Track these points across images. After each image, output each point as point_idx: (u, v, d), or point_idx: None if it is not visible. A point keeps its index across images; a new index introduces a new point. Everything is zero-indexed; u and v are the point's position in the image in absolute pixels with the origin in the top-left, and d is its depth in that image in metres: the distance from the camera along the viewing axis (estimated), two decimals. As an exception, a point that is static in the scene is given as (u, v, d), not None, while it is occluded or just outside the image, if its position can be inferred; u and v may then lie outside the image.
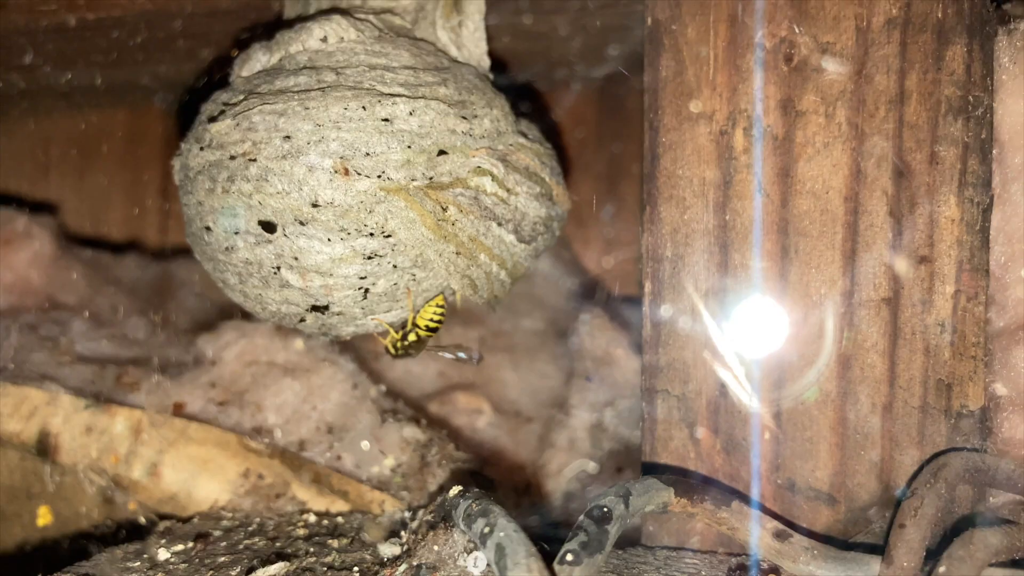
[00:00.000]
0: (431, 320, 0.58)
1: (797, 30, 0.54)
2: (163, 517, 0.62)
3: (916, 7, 0.52)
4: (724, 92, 0.55)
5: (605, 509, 0.45)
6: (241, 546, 0.56)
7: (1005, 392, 0.54)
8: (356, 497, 0.62)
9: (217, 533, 0.58)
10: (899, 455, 0.53)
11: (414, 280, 0.54)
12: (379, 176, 0.50)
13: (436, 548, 0.51)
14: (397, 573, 0.50)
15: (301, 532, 0.58)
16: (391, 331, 0.59)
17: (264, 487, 0.63)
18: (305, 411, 0.66)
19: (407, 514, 0.58)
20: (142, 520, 0.63)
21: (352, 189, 0.50)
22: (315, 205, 0.50)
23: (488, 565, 0.48)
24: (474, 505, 0.44)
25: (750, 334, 0.55)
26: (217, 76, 0.59)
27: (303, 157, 0.49)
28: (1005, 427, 0.54)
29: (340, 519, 0.61)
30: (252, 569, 0.50)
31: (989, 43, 0.52)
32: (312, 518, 0.61)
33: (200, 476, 0.63)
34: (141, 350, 0.73)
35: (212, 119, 0.51)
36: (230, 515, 0.62)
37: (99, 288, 0.86)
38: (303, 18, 0.57)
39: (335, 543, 0.55)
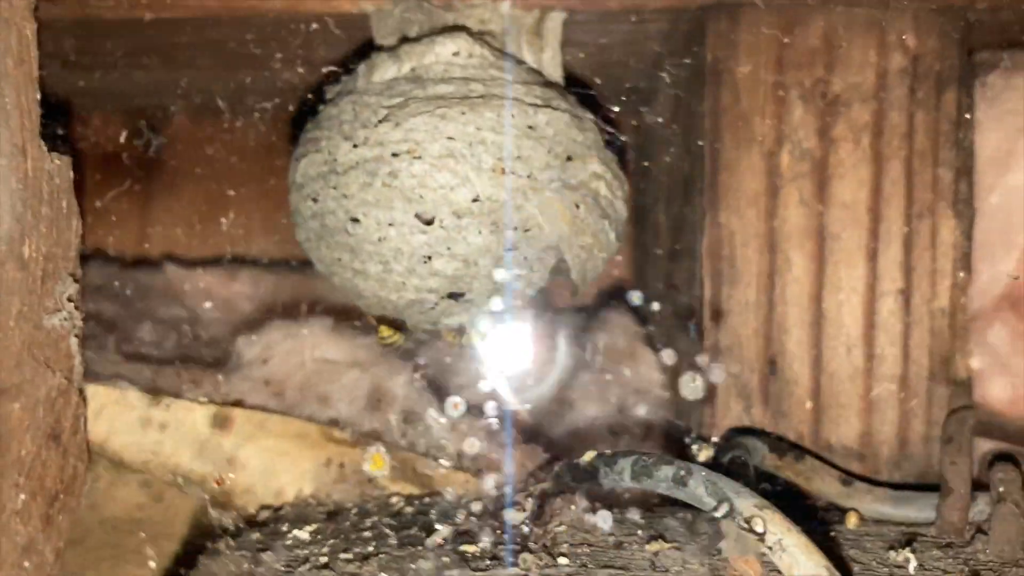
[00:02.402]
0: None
1: (831, 73, 0.66)
2: (259, 510, 0.64)
3: (921, 60, 0.66)
4: (771, 120, 0.67)
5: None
6: (367, 523, 0.59)
7: (979, 364, 0.69)
8: (440, 479, 0.67)
9: (338, 514, 0.60)
10: (912, 416, 0.66)
11: (532, 270, 0.60)
12: (528, 176, 0.57)
13: (570, 509, 0.58)
14: (549, 529, 0.55)
15: (409, 510, 0.62)
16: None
17: (349, 475, 0.65)
18: (373, 403, 0.69)
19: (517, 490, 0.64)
20: (228, 517, 0.64)
21: (507, 187, 0.56)
22: (475, 200, 0.55)
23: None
24: (647, 458, 0.51)
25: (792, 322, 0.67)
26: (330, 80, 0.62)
27: (467, 157, 0.55)
28: (980, 391, 0.69)
29: (428, 499, 0.65)
30: (418, 535, 0.54)
31: (972, 91, 0.67)
32: (403, 500, 0.64)
33: (277, 467, 0.65)
34: (181, 351, 0.73)
35: (381, 120, 0.55)
36: (315, 503, 0.64)
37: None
38: (407, 38, 0.62)
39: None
